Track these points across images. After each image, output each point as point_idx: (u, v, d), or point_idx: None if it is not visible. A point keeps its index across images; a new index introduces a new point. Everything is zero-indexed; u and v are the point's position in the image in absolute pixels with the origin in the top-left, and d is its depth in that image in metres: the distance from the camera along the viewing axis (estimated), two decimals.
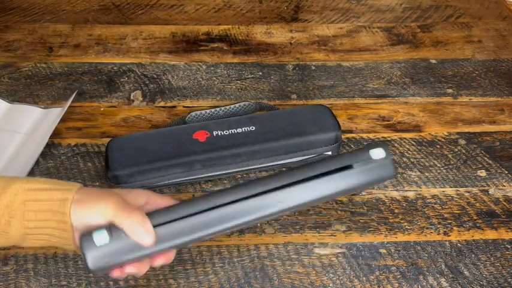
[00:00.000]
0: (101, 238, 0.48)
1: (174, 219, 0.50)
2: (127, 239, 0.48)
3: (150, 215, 0.49)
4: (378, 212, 0.66)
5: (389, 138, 0.76)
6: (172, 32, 0.94)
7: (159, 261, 0.51)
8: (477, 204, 0.68)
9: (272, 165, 0.70)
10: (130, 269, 0.50)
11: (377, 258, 0.62)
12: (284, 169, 0.58)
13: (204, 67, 0.87)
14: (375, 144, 0.53)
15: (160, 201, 0.52)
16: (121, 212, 0.48)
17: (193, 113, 0.74)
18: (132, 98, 0.81)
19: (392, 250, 0.63)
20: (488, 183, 0.70)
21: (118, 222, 0.48)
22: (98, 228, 0.48)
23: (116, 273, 0.50)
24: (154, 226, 0.49)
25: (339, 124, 0.71)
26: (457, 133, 0.77)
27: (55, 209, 0.49)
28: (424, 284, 0.59)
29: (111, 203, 0.49)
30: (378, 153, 0.53)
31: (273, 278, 0.60)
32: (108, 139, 0.70)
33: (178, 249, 0.54)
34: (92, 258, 0.48)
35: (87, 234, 0.48)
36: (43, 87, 0.82)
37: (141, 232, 0.48)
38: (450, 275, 0.60)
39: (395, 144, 0.75)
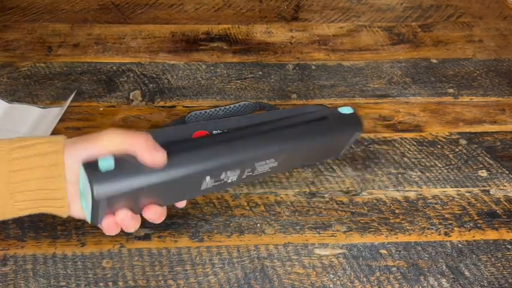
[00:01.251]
0: (106, 164, 0.47)
1: (183, 149, 0.51)
2: (134, 164, 0.47)
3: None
4: (378, 213, 0.66)
5: (389, 138, 0.76)
6: (171, 32, 0.94)
7: (151, 212, 0.50)
8: (478, 205, 0.68)
9: None
10: (123, 216, 0.49)
11: (377, 259, 0.62)
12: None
13: (204, 67, 0.87)
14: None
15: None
16: (129, 134, 0.47)
17: (192, 113, 0.74)
18: (131, 97, 0.81)
19: (393, 251, 0.62)
20: (489, 183, 0.70)
21: (128, 144, 0.47)
22: (104, 157, 0.47)
23: (107, 221, 0.49)
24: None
25: None
26: (458, 133, 0.77)
27: (44, 151, 0.47)
28: (425, 284, 0.59)
29: (117, 130, 0.48)
30: (346, 110, 0.59)
31: (273, 279, 0.59)
32: None
33: (172, 200, 0.54)
34: (97, 185, 0.46)
35: (90, 162, 0.47)
36: (42, 87, 0.82)
37: (152, 150, 0.47)
38: (451, 276, 0.60)
39: (396, 144, 0.75)
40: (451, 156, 0.74)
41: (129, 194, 0.48)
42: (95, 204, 0.47)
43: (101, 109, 0.79)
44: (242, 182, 0.57)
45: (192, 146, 0.52)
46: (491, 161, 0.73)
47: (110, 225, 0.50)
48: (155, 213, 0.51)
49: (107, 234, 0.51)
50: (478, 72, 0.87)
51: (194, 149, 0.51)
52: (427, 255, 0.62)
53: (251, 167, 0.54)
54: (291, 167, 0.66)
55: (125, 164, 0.47)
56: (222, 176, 0.53)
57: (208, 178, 0.52)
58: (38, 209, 0.49)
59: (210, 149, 0.52)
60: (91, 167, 0.47)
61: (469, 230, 0.65)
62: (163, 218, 0.52)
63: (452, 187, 0.70)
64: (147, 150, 0.47)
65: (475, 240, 0.64)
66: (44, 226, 0.63)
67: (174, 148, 0.50)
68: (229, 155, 0.53)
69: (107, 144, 0.47)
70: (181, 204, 0.56)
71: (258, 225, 0.64)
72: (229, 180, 0.54)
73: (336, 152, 0.63)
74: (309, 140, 0.57)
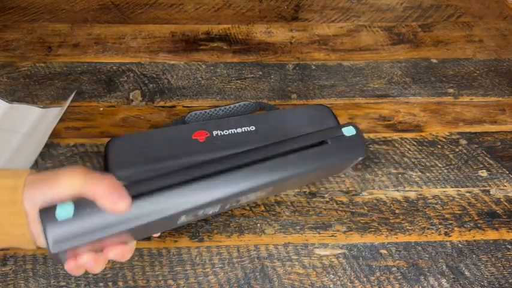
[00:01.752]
0: (64, 212, 0.42)
1: (150, 191, 0.44)
2: (95, 211, 0.43)
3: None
4: (378, 213, 0.66)
5: (389, 138, 0.76)
6: (171, 32, 0.94)
7: (114, 253, 0.46)
8: (478, 205, 0.68)
9: None
10: (86, 260, 0.45)
11: (378, 259, 0.62)
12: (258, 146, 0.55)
13: (204, 67, 0.87)
14: (346, 124, 0.53)
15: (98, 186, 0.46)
16: (90, 178, 0.43)
17: (192, 113, 0.74)
18: (131, 97, 0.81)
19: (393, 251, 0.62)
20: (489, 183, 0.70)
21: (88, 189, 0.42)
22: (63, 202, 0.42)
23: (70, 265, 0.45)
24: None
25: (339, 124, 0.71)
26: (458, 133, 0.77)
27: (4, 199, 0.43)
28: (425, 284, 0.59)
29: (77, 173, 0.43)
30: (349, 131, 0.53)
31: (273, 279, 0.59)
32: (107, 139, 0.70)
33: (144, 235, 0.50)
34: (53, 235, 0.41)
35: (48, 209, 0.42)
36: (42, 87, 0.82)
37: (115, 197, 0.42)
38: (451, 276, 0.60)
39: (396, 144, 0.75)
40: (451, 156, 0.74)
41: (89, 243, 0.43)
42: (52, 256, 0.43)
43: (101, 109, 0.79)
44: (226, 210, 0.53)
45: (163, 185, 0.45)
46: (491, 161, 0.73)
47: (73, 269, 0.46)
48: (117, 255, 0.46)
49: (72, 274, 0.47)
50: (478, 72, 0.87)
51: (165, 189, 0.45)
52: (427, 255, 0.62)
53: (235, 201, 0.49)
54: (285, 190, 0.63)
55: (85, 211, 0.43)
56: (200, 213, 0.48)
57: (183, 217, 0.47)
58: (4, 243, 0.46)
59: (184, 189, 0.45)
60: (48, 216, 0.42)
61: (469, 230, 0.65)
62: (129, 256, 0.48)
63: (452, 187, 0.70)
64: (108, 197, 0.43)
65: (475, 240, 0.64)
66: None
67: (142, 188, 0.45)
68: (207, 194, 0.46)
69: (66, 189, 0.43)
70: (155, 234, 0.52)
71: (258, 225, 0.64)
72: (210, 212, 0.50)
73: (335, 172, 0.59)
74: (304, 169, 0.51)
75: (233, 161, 0.48)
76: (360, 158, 0.55)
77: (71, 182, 0.43)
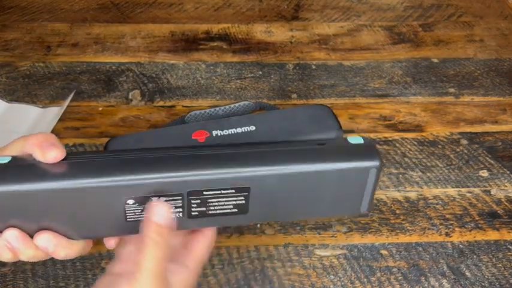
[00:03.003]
0: (1, 160, 0.41)
1: (91, 159, 0.42)
2: (29, 160, 0.42)
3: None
4: (379, 213, 0.66)
5: (390, 138, 0.75)
6: (171, 31, 0.93)
7: (45, 239, 0.42)
8: (479, 205, 0.67)
9: None
10: (10, 236, 0.42)
11: (378, 260, 0.61)
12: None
13: (204, 66, 0.87)
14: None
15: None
16: (29, 136, 0.43)
17: (192, 113, 0.74)
18: (130, 97, 0.81)
19: (394, 251, 0.62)
20: (490, 183, 0.70)
21: (26, 144, 0.43)
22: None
23: None
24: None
25: (339, 124, 0.71)
26: (459, 133, 0.77)
27: None
28: (426, 285, 0.59)
29: (20, 138, 0.44)
30: (355, 139, 0.45)
31: (273, 280, 0.59)
32: (107, 139, 0.69)
33: (89, 234, 0.44)
34: None
35: None
36: (41, 87, 0.82)
37: (46, 145, 0.42)
38: (452, 276, 0.60)
39: (397, 144, 0.74)
40: (452, 156, 0.73)
41: (19, 196, 0.41)
42: None
43: (100, 109, 0.79)
44: (200, 224, 0.45)
45: (110, 157, 0.42)
46: (492, 161, 0.73)
47: None
48: (48, 243, 0.43)
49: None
50: (479, 72, 0.87)
51: (110, 158, 0.42)
52: (428, 256, 0.62)
53: (199, 197, 0.42)
54: (279, 217, 0.52)
55: (20, 160, 0.42)
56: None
57: (131, 202, 0.41)
58: None
59: (131, 160, 0.41)
60: None
61: (470, 231, 0.65)
62: (63, 254, 0.44)
63: (453, 187, 0.69)
64: (40, 145, 0.43)
65: (476, 241, 0.63)
66: None
67: (85, 158, 0.42)
68: (156, 169, 0.40)
69: (9, 151, 0.44)
70: (109, 243, 0.47)
71: (258, 225, 0.64)
72: (175, 210, 0.43)
73: (352, 201, 0.47)
74: (288, 166, 0.42)
75: (203, 150, 0.42)
76: (373, 171, 0.44)
77: (13, 144, 0.44)
